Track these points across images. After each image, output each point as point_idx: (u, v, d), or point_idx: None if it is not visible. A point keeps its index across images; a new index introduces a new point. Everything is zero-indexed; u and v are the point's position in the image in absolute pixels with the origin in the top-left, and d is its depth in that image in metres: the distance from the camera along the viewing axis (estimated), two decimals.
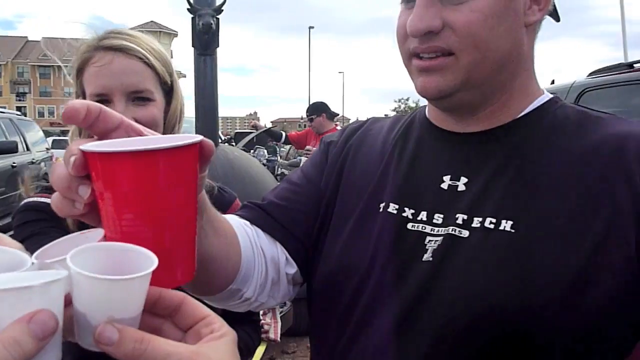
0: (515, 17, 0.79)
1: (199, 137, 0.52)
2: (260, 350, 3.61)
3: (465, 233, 0.77)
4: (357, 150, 0.97)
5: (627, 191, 0.72)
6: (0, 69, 70.02)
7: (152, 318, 0.51)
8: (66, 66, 1.22)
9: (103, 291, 0.44)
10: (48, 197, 1.13)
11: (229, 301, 0.88)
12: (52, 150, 11.86)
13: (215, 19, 3.91)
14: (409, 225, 0.83)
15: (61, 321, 0.44)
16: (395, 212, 0.85)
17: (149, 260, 0.47)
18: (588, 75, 4.27)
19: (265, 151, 9.83)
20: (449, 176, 0.84)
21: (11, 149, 8.71)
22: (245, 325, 1.37)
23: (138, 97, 1.16)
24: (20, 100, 68.87)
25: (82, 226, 0.54)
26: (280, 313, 3.49)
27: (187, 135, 0.53)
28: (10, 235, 0.57)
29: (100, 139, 0.53)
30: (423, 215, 0.83)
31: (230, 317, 1.05)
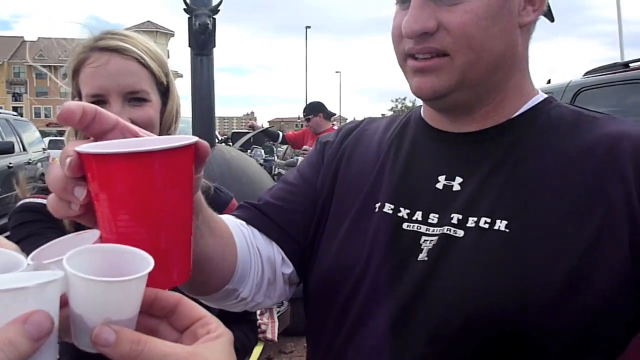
0: (510, 18, 0.79)
1: (194, 139, 0.53)
2: (257, 350, 3.61)
3: (460, 233, 0.78)
4: (352, 150, 0.97)
5: (620, 191, 0.72)
6: None
7: (148, 319, 0.51)
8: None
9: (99, 293, 0.44)
10: (44, 198, 1.13)
11: (225, 301, 0.89)
12: (49, 151, 11.83)
13: (211, 19, 3.90)
14: (405, 225, 0.83)
15: (57, 322, 0.44)
16: (390, 212, 0.85)
17: (145, 262, 0.47)
18: (584, 75, 4.28)
19: (263, 151, 9.82)
20: (444, 176, 0.84)
21: (7, 149, 8.69)
22: (242, 325, 1.37)
23: (134, 98, 1.16)
24: (16, 101, 68.68)
25: (78, 227, 0.55)
26: (278, 313, 3.49)
27: (182, 136, 0.53)
28: (7, 237, 0.57)
29: (96, 140, 0.53)
30: (418, 215, 0.83)
31: (226, 317, 1.06)
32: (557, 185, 0.76)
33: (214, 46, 4.04)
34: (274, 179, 5.54)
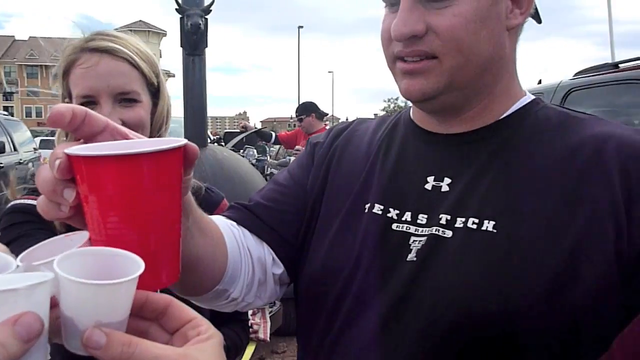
0: (498, 21, 0.80)
1: (184, 141, 0.53)
2: (249, 350, 3.61)
3: (449, 233, 0.78)
4: (343, 151, 0.97)
5: (605, 191, 0.73)
6: None
7: (139, 321, 0.51)
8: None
9: (90, 296, 0.45)
10: (35, 199, 1.13)
11: (216, 301, 0.89)
12: (40, 151, 11.77)
13: (203, 19, 3.90)
14: (394, 226, 0.84)
15: (47, 323, 0.44)
16: (380, 212, 0.86)
17: (136, 265, 0.47)
18: (574, 75, 4.31)
19: (255, 151, 9.80)
20: (433, 177, 0.85)
21: None
22: (234, 325, 1.38)
23: (125, 99, 1.16)
24: (7, 100, 68.20)
25: (70, 228, 0.55)
26: (270, 313, 3.49)
27: (171, 139, 0.54)
28: None
29: (86, 142, 0.53)
30: (407, 216, 0.84)
31: (218, 317, 1.07)
32: (544, 186, 0.77)
33: (206, 46, 4.03)
34: (266, 179, 5.53)
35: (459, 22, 0.77)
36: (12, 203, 1.21)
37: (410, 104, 0.93)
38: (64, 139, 1.20)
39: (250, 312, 2.69)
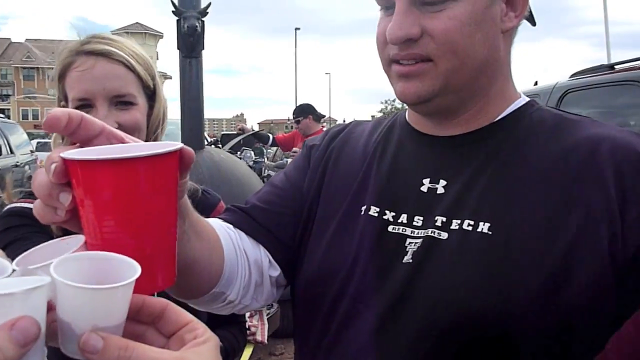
0: (493, 24, 0.80)
1: (179, 145, 0.53)
2: (247, 352, 3.60)
3: (444, 235, 0.79)
4: (339, 153, 0.98)
5: (599, 192, 0.74)
6: None
7: (135, 325, 0.51)
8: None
9: (87, 300, 0.45)
10: (32, 203, 1.13)
11: (213, 304, 0.89)
12: (37, 153, 11.75)
13: (200, 22, 3.89)
14: (390, 228, 0.84)
15: (44, 328, 0.44)
16: (376, 214, 0.86)
17: (132, 269, 0.47)
18: (570, 77, 4.33)
19: (252, 153, 9.81)
20: (429, 179, 0.85)
21: None
22: (231, 327, 1.38)
23: (121, 102, 1.16)
24: (3, 102, 68.06)
25: (66, 232, 0.55)
26: (267, 315, 3.49)
27: (167, 142, 0.54)
28: None
29: (82, 146, 0.53)
30: (403, 218, 0.84)
31: (215, 319, 1.07)
32: (538, 188, 0.77)
33: (203, 48, 4.03)
34: (263, 181, 5.53)
35: (454, 25, 0.77)
36: (8, 206, 1.20)
37: (406, 105, 0.94)
38: (60, 142, 1.20)
39: (247, 314, 2.68)
